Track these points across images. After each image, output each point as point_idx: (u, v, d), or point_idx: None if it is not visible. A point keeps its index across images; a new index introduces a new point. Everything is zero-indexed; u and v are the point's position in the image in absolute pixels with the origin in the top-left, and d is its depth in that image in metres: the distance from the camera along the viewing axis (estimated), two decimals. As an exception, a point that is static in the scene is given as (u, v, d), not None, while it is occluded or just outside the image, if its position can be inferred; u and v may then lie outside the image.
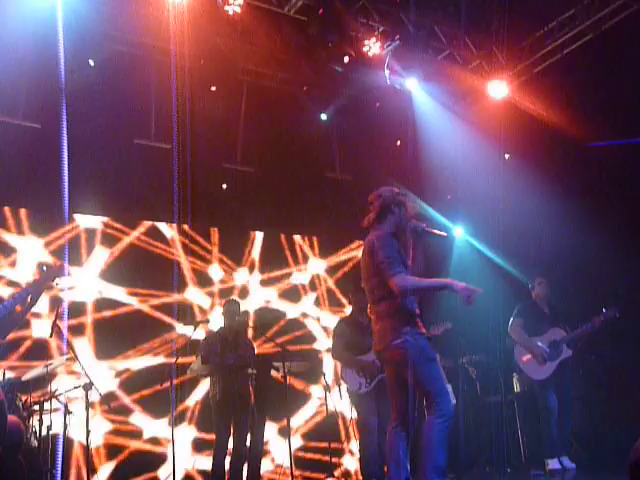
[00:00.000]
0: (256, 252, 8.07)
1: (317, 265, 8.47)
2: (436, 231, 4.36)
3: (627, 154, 7.24)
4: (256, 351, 6.70)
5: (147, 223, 7.47)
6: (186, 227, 7.60)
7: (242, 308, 6.62)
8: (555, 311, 6.93)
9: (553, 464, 6.54)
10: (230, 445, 6.23)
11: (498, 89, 7.72)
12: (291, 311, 8.17)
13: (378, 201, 4.18)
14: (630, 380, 6.29)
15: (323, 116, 7.59)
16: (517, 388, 7.26)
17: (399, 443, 4.15)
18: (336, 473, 7.62)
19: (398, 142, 7.92)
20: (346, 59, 6.99)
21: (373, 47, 7.09)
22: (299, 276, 8.32)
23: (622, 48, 7.09)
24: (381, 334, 4.15)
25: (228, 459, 6.21)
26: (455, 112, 7.60)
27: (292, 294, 8.23)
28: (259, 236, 8.12)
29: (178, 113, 7.10)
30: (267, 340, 6.86)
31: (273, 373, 6.48)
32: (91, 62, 6.63)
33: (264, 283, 8.07)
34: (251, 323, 7.55)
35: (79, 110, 6.56)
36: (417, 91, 7.60)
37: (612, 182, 7.37)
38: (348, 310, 7.96)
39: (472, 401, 7.39)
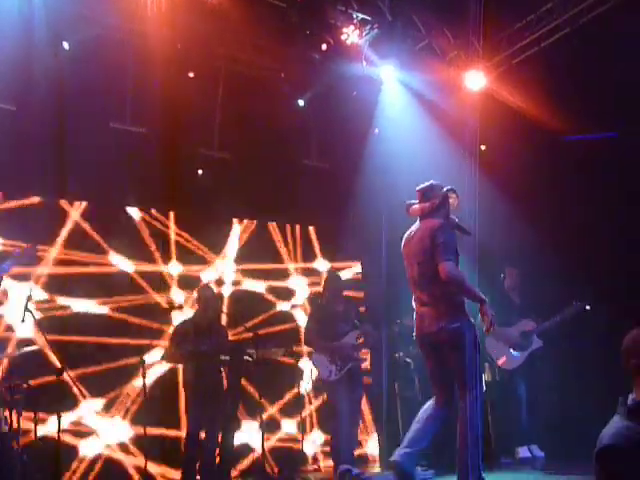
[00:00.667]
0: (232, 240, 8.05)
1: (295, 253, 8.48)
2: (465, 227, 4.75)
3: (603, 148, 7.33)
4: (230, 338, 6.71)
5: (121, 208, 7.41)
6: (158, 213, 7.56)
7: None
8: (526, 302, 7.02)
9: (523, 452, 6.66)
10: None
11: (475, 80, 7.73)
12: (266, 298, 8.15)
13: (433, 193, 4.52)
14: (600, 370, 6.37)
15: (300, 103, 7.56)
16: (488, 377, 7.33)
17: (435, 418, 4.44)
18: (310, 461, 7.67)
19: (376, 130, 7.91)
20: (324, 47, 6.99)
21: (352, 35, 7.07)
22: (278, 264, 8.32)
23: (599, 43, 7.14)
24: (434, 317, 4.35)
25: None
26: (431, 102, 7.60)
27: (270, 281, 8.22)
28: (235, 223, 8.10)
29: (154, 97, 7.05)
30: (246, 330, 6.82)
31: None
32: (65, 45, 6.55)
33: (241, 271, 8.05)
34: (226, 309, 7.56)
35: (54, 93, 6.49)
36: (392, 80, 7.58)
37: (586, 175, 7.44)
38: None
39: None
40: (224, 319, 7.03)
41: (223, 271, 7.87)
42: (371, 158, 7.70)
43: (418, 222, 4.59)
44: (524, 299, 7.04)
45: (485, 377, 7.36)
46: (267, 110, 7.28)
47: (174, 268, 7.53)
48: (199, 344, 6.18)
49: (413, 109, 7.57)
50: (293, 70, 7.35)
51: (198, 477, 6.21)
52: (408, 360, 7.13)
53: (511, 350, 6.85)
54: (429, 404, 4.55)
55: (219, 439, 6.28)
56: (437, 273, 4.29)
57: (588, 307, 6.59)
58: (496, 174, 7.76)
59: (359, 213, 8.08)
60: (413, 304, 4.59)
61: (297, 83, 7.49)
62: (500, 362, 6.93)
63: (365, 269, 8.58)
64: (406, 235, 4.64)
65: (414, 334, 4.60)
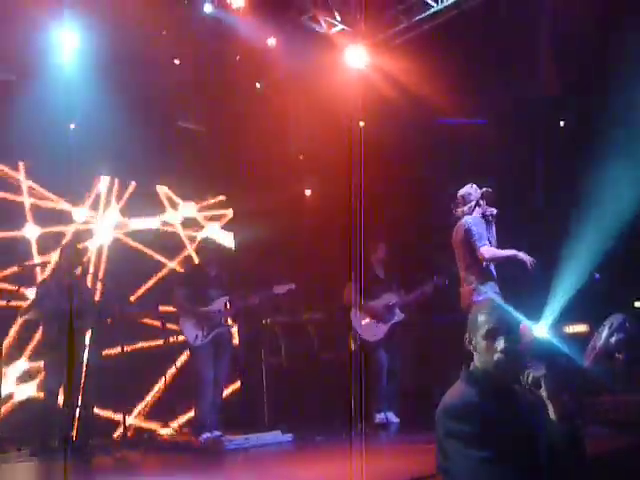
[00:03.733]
0: (100, 197, 7.84)
1: (167, 214, 8.36)
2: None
3: (474, 132, 7.66)
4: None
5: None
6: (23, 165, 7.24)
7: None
8: (390, 276, 7.28)
9: (379, 418, 6.94)
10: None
11: (357, 57, 7.82)
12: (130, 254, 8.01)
13: (473, 196, 5.45)
14: (455, 342, 6.74)
15: (176, 61, 7.34)
16: (352, 347, 7.56)
17: None
18: (174, 424, 7.64)
19: (258, 85, 7.86)
20: (208, 8, 6.85)
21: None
22: (144, 223, 8.18)
23: (479, 30, 7.41)
24: (466, 295, 5.25)
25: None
26: (312, 75, 7.65)
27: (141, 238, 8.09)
28: (104, 181, 7.90)
29: (22, 45, 6.66)
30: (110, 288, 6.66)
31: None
32: None
33: (110, 228, 7.85)
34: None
35: None
36: (272, 47, 7.55)
37: (459, 156, 7.75)
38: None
39: (310, 357, 7.63)
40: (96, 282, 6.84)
41: (93, 230, 7.67)
42: (251, 125, 7.67)
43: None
44: (388, 273, 7.29)
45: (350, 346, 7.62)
46: (145, 67, 7.06)
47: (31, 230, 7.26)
48: (61, 303, 5.99)
49: (288, 78, 7.58)
50: (175, 29, 7.14)
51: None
52: (275, 328, 7.25)
53: (374, 322, 7.10)
54: None
55: (79, 401, 6.15)
56: (467, 258, 5.30)
57: (447, 282, 6.95)
58: (374, 150, 7.93)
59: (235, 180, 8.08)
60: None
61: (178, 42, 7.28)
62: (364, 334, 7.16)
63: (236, 236, 8.60)
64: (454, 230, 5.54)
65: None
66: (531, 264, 5.21)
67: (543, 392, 2.50)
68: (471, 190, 5.54)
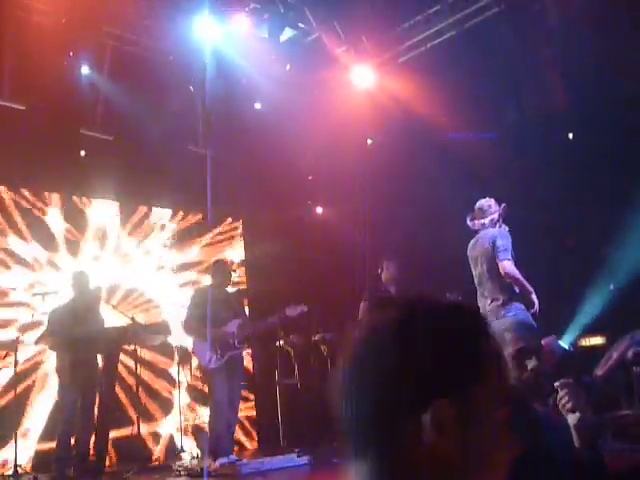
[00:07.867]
0: (114, 222, 7.88)
1: (173, 237, 8.39)
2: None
3: (483, 147, 7.65)
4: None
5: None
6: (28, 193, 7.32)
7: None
8: (403, 293, 7.24)
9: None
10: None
11: (363, 76, 7.85)
12: (138, 281, 8.02)
13: (494, 209, 5.37)
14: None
15: (191, 88, 7.38)
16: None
17: None
18: (188, 450, 7.60)
19: (257, 105, 7.88)
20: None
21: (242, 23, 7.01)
22: (156, 247, 8.21)
23: (483, 47, 7.43)
24: (493, 307, 5.02)
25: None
26: (319, 95, 7.68)
27: (147, 265, 8.10)
28: (116, 207, 7.94)
29: (35, 73, 6.73)
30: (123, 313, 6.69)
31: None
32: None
33: (122, 255, 7.88)
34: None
35: None
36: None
37: (467, 171, 7.74)
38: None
39: (324, 376, 7.56)
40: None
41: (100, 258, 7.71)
42: (259, 151, 7.70)
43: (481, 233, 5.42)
44: (401, 291, 7.24)
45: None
46: (154, 91, 7.12)
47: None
48: (74, 330, 6.00)
49: (297, 98, 7.62)
50: (183, 53, 7.18)
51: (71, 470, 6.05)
52: (289, 349, 7.20)
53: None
54: None
55: (94, 427, 6.14)
56: (492, 270, 5.14)
57: (460, 298, 6.90)
58: (382, 168, 7.94)
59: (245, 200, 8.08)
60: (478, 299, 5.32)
61: (187, 66, 7.32)
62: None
63: (248, 258, 8.60)
64: (470, 243, 5.49)
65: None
66: (535, 311, 4.99)
67: (571, 418, 2.35)
68: (491, 203, 5.45)
